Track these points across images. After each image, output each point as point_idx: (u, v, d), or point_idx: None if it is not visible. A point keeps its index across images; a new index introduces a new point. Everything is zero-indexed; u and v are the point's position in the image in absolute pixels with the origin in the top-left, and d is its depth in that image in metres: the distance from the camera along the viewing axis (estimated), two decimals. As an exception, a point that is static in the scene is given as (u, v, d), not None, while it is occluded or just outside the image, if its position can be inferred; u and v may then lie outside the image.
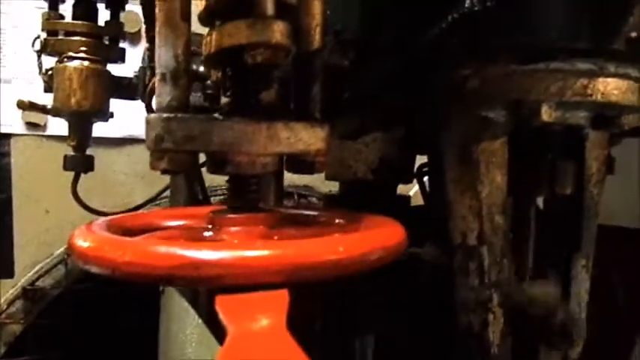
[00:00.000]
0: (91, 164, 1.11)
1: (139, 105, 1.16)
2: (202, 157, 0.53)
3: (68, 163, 1.09)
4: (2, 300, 1.83)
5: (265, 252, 0.42)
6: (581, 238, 0.68)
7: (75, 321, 1.86)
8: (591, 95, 0.60)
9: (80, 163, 1.09)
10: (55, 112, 1.05)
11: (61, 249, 1.85)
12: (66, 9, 1.08)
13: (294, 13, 0.53)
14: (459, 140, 0.67)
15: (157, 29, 0.48)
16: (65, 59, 1.02)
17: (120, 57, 1.11)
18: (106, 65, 1.07)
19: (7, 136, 1.82)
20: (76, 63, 1.02)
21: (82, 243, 0.47)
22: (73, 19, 1.05)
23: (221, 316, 0.40)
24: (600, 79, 0.60)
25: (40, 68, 1.10)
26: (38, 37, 1.08)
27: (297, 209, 0.71)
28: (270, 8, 0.48)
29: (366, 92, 0.72)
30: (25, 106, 1.09)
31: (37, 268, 1.87)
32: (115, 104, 1.10)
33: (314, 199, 2.04)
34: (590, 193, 0.67)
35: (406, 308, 0.85)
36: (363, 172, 0.92)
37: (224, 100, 0.56)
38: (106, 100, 1.06)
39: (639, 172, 1.16)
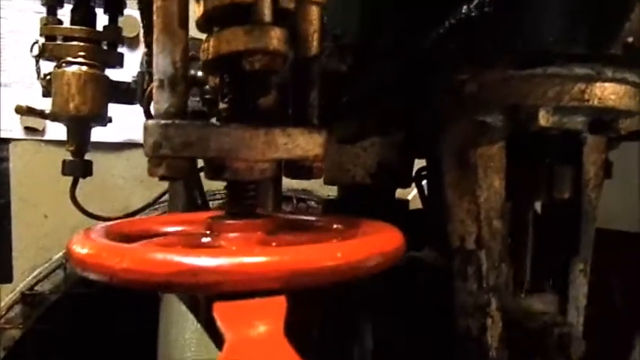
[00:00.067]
0: (90, 169, 1.11)
1: (137, 109, 1.16)
2: (201, 162, 0.53)
3: (67, 168, 1.08)
4: (1, 305, 1.82)
5: (263, 258, 0.42)
6: (579, 243, 0.68)
7: (74, 326, 1.86)
8: (589, 100, 0.61)
9: (79, 168, 1.09)
10: (53, 116, 1.04)
11: (60, 254, 1.85)
12: (64, 14, 1.08)
13: (292, 19, 0.53)
14: (457, 144, 0.67)
15: (154, 36, 0.48)
16: (63, 64, 1.02)
17: (118, 62, 1.11)
18: (104, 70, 1.07)
19: (5, 141, 1.82)
20: (74, 68, 1.02)
21: (80, 249, 0.47)
22: (72, 24, 1.05)
23: (219, 323, 0.40)
24: (598, 84, 0.61)
25: (39, 73, 1.10)
26: (36, 41, 1.08)
27: (295, 215, 0.71)
28: (267, 15, 0.48)
29: (364, 96, 0.72)
30: (23, 111, 1.09)
31: (35, 272, 1.86)
32: (114, 109, 1.10)
33: (313, 203, 2.04)
34: (588, 198, 0.67)
35: (405, 313, 0.84)
36: (361, 176, 0.92)
37: (222, 105, 0.56)
38: (104, 105, 1.06)
39: (639, 176, 1.16)
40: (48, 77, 1.05)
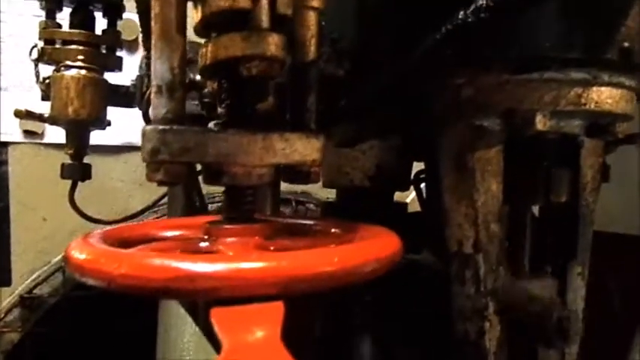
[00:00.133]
0: (89, 172, 1.11)
1: (136, 113, 1.16)
2: (200, 165, 0.53)
3: (65, 171, 1.08)
4: (0, 308, 1.82)
5: (260, 264, 0.42)
6: (576, 246, 0.68)
7: (73, 329, 1.86)
8: (585, 104, 0.61)
9: (77, 171, 1.09)
10: (52, 120, 1.05)
11: (59, 257, 1.85)
12: (63, 18, 1.08)
13: (290, 24, 0.53)
14: (454, 148, 0.67)
15: (152, 42, 0.48)
16: (62, 68, 1.02)
17: (117, 65, 1.12)
18: (103, 74, 1.07)
19: (4, 145, 1.83)
20: (73, 72, 1.02)
21: (79, 255, 0.47)
22: (71, 27, 1.06)
23: (216, 328, 0.40)
24: (594, 88, 0.61)
25: (38, 77, 1.10)
26: (35, 45, 1.08)
27: (293, 219, 0.71)
28: (265, 21, 0.48)
29: (361, 104, 0.73)
30: (22, 114, 1.09)
31: (34, 276, 1.87)
32: (113, 112, 1.11)
33: (311, 206, 2.04)
34: (586, 201, 0.67)
35: (402, 316, 0.85)
36: (359, 179, 0.92)
37: (220, 110, 0.56)
38: (103, 109, 1.06)
39: (638, 179, 1.16)
40: (47, 81, 1.05)
